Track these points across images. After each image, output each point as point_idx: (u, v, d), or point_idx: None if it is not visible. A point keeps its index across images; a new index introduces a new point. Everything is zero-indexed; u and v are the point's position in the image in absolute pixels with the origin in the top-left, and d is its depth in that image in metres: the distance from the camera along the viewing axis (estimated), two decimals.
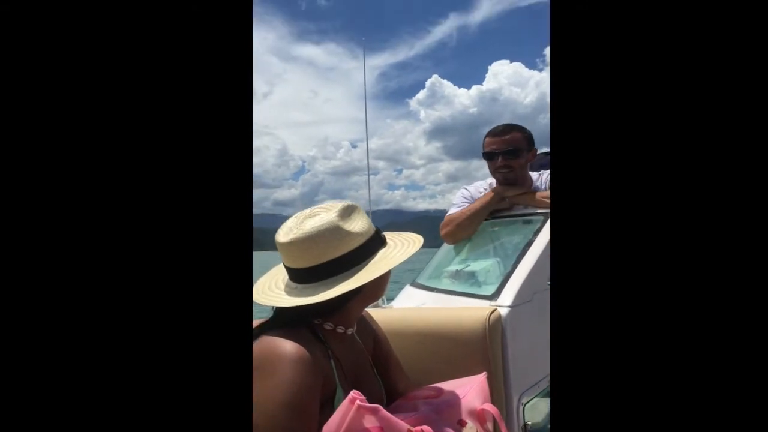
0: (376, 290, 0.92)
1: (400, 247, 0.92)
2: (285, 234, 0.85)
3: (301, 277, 0.87)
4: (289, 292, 0.88)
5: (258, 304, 0.85)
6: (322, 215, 0.86)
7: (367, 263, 0.87)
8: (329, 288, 0.82)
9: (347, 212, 0.87)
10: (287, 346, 0.77)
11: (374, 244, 0.90)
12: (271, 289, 0.91)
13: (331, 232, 0.83)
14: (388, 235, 0.96)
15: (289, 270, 0.89)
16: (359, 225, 0.88)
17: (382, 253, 0.90)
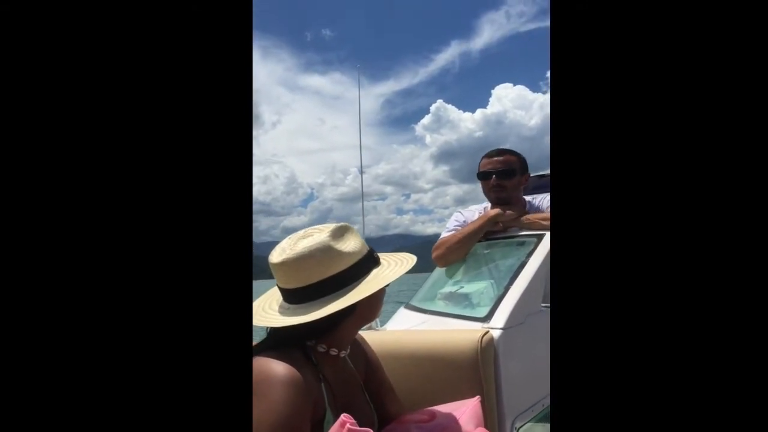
0: (369, 310, 0.92)
1: (394, 266, 0.92)
2: (278, 255, 0.86)
3: (293, 297, 0.87)
4: (282, 312, 0.88)
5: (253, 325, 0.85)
6: (315, 236, 0.86)
7: (360, 282, 0.87)
8: (321, 307, 0.82)
9: (340, 232, 0.88)
10: (278, 368, 0.77)
11: (367, 263, 0.90)
12: (265, 310, 0.91)
13: (323, 252, 0.84)
14: (382, 255, 0.96)
15: (282, 291, 0.89)
16: (352, 245, 0.88)
17: (375, 273, 0.90)
